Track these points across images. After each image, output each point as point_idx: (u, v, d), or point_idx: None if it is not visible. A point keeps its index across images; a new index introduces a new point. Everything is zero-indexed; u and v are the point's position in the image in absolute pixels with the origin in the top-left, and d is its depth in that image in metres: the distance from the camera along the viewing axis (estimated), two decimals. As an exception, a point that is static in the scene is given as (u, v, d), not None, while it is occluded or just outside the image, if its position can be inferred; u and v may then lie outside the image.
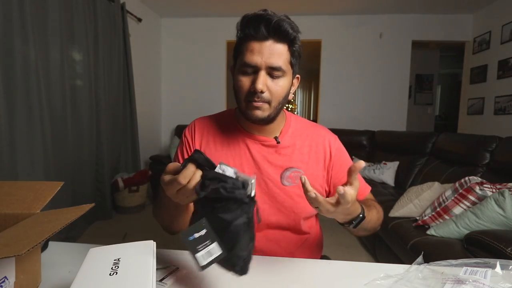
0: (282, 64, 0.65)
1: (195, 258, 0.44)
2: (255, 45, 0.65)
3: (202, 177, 0.47)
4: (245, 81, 0.67)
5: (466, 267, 0.57)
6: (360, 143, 3.30)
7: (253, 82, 0.65)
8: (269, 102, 0.68)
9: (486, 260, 0.58)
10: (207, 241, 0.44)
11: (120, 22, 2.96)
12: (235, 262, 0.47)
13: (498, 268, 0.55)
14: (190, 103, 4.15)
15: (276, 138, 0.76)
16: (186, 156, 0.79)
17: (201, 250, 0.44)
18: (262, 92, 0.65)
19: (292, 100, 5.08)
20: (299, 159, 0.77)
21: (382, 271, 0.61)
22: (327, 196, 0.80)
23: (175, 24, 4.07)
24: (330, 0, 3.39)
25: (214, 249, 0.45)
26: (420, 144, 2.63)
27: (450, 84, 6.72)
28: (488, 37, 3.39)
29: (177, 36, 4.08)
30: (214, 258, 0.44)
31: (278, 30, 0.63)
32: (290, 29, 0.64)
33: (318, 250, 0.87)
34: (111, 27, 2.82)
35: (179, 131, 3.86)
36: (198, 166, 0.48)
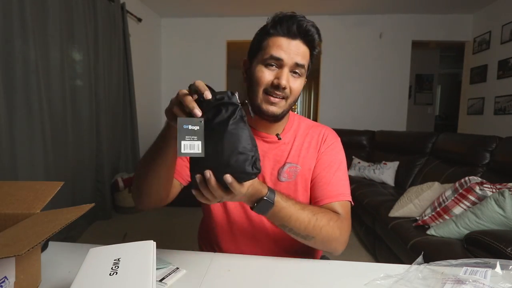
0: (304, 63, 0.69)
1: (179, 144, 0.45)
2: (284, 42, 0.67)
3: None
4: (268, 73, 0.68)
5: (466, 267, 0.57)
6: (360, 143, 3.30)
7: (277, 77, 0.67)
8: (286, 99, 0.70)
9: (486, 260, 0.58)
10: (195, 137, 0.45)
11: (120, 22, 2.96)
12: (243, 163, 0.46)
13: (498, 268, 0.55)
14: (190, 103, 4.14)
15: (277, 135, 0.78)
16: None
17: (187, 140, 0.45)
18: (285, 88, 0.67)
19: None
20: (297, 154, 0.78)
21: (382, 271, 0.61)
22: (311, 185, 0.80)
23: (175, 24, 4.07)
24: (330, 0, 3.39)
25: (196, 146, 0.45)
26: (420, 144, 2.63)
27: (450, 84, 6.72)
28: (488, 37, 3.39)
29: (177, 36, 4.08)
30: (193, 153, 0.45)
31: (307, 34, 0.67)
32: (316, 36, 0.68)
33: (318, 250, 0.87)
34: (111, 27, 2.82)
35: (179, 131, 3.86)
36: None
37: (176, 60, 4.13)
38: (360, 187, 2.50)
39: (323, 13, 3.80)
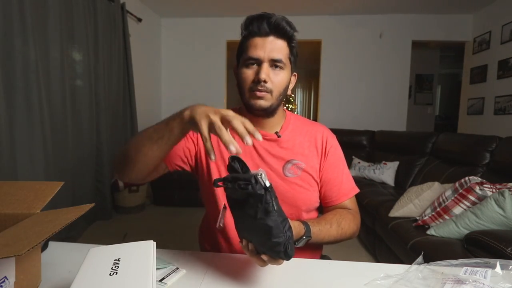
0: (282, 57, 0.72)
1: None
2: (258, 41, 0.71)
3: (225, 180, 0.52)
4: (249, 73, 0.72)
5: (466, 267, 0.57)
6: (360, 143, 3.30)
7: (257, 73, 0.71)
8: (271, 92, 0.73)
9: (486, 260, 0.58)
10: None
11: (120, 22, 2.95)
12: (276, 249, 0.50)
13: (498, 268, 0.55)
14: (190, 103, 4.12)
15: (276, 133, 0.80)
16: (187, 139, 0.81)
17: None
18: (265, 81, 0.71)
19: (292, 100, 5.09)
20: (300, 152, 0.80)
21: (382, 271, 0.61)
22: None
23: (175, 24, 4.07)
24: (330, 0, 3.39)
25: None
26: (420, 144, 2.63)
27: (450, 84, 6.72)
28: (488, 37, 3.38)
29: (177, 36, 4.08)
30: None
31: (278, 27, 0.70)
32: (288, 27, 0.71)
33: (318, 248, 0.87)
34: (111, 27, 2.82)
35: (179, 131, 3.86)
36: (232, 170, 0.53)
37: (176, 60, 4.13)
38: (360, 187, 2.44)
39: (323, 13, 3.80)
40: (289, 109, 4.98)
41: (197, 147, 0.82)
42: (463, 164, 2.07)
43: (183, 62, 4.12)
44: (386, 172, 2.70)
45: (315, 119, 4.22)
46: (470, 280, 0.52)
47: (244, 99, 0.75)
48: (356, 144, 3.28)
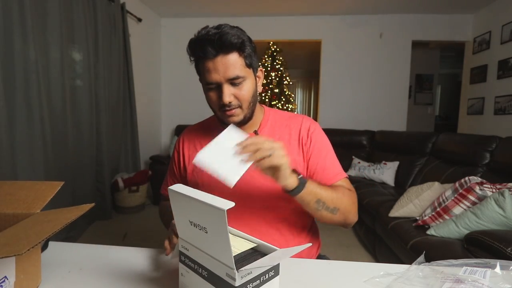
0: (238, 73, 0.71)
1: None
2: (209, 64, 0.70)
3: None
4: (213, 96, 0.74)
5: (466, 267, 0.57)
6: (360, 143, 3.29)
7: (220, 97, 0.72)
8: (240, 106, 0.74)
9: (487, 260, 0.58)
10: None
11: (120, 22, 2.96)
12: None
13: (498, 269, 0.55)
14: (190, 103, 4.14)
15: (255, 131, 0.81)
16: (178, 165, 0.90)
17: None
18: (230, 102, 0.72)
19: (292, 100, 5.08)
20: None
21: (382, 271, 0.61)
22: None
23: (175, 24, 4.07)
24: (330, 0, 3.39)
25: None
26: (420, 144, 2.63)
27: (450, 84, 6.72)
28: (488, 37, 3.38)
29: (177, 36, 4.08)
30: None
31: (223, 45, 0.68)
32: (233, 39, 0.68)
33: (313, 247, 0.86)
34: (111, 27, 2.82)
35: (179, 131, 3.86)
36: None
37: (176, 60, 4.13)
38: (360, 187, 2.49)
39: (323, 13, 3.80)
40: (289, 109, 4.96)
41: (182, 160, 0.88)
42: (463, 164, 2.07)
43: (183, 62, 4.10)
44: (386, 172, 2.70)
45: (315, 119, 4.21)
46: (469, 280, 0.53)
47: (217, 116, 0.78)
48: (356, 144, 3.28)
